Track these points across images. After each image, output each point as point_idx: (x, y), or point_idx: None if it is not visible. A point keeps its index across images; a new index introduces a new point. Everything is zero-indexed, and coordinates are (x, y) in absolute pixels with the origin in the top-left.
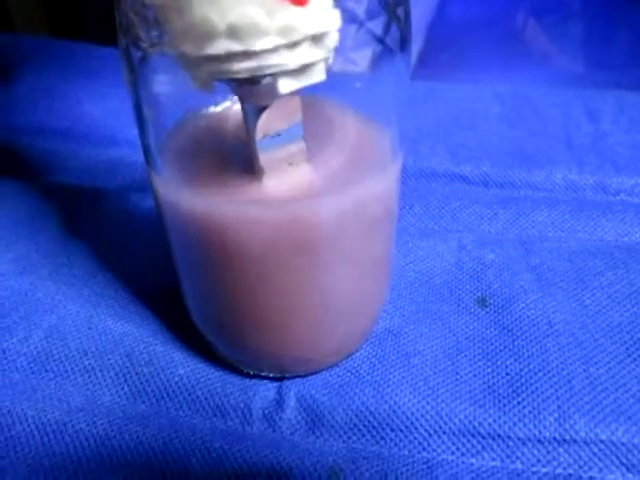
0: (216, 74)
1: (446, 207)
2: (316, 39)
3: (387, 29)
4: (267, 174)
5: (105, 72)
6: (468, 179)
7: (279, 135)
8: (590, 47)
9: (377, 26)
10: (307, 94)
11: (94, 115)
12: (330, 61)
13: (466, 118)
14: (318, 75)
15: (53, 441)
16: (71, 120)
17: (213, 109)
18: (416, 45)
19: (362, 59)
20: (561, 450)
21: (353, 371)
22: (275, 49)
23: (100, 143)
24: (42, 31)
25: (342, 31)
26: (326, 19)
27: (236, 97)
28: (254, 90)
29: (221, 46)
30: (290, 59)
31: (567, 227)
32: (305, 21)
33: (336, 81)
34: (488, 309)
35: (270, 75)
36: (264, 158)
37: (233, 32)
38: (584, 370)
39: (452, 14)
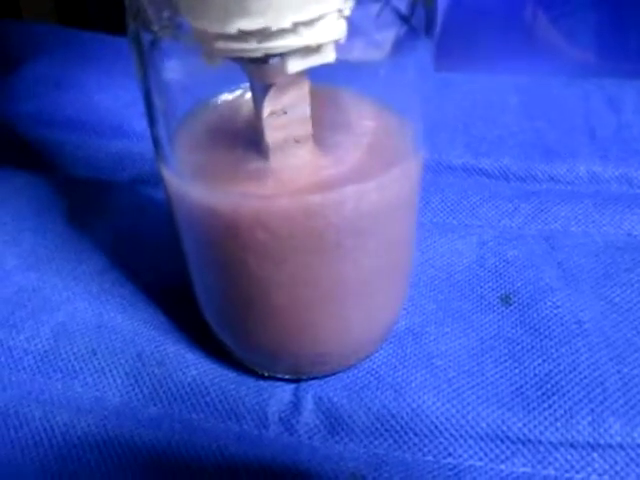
0: (226, 52)
1: (465, 201)
2: (327, 19)
3: (413, 8)
4: (273, 151)
5: (114, 61)
6: (488, 172)
7: (286, 113)
8: (610, 36)
9: (402, 5)
10: (327, 84)
11: (103, 105)
12: (342, 41)
13: (484, 109)
14: (327, 55)
15: (62, 443)
16: (79, 110)
17: (225, 97)
18: None
19: (386, 40)
20: (595, 455)
21: (373, 372)
22: (286, 30)
23: (109, 134)
24: (50, 19)
25: (365, 10)
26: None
27: (248, 85)
28: (263, 68)
29: (234, 25)
30: (300, 40)
31: (592, 221)
32: (316, 3)
33: (357, 70)
34: (512, 307)
35: (279, 55)
36: (270, 135)
37: (247, 12)
38: (617, 371)
39: (468, 2)
